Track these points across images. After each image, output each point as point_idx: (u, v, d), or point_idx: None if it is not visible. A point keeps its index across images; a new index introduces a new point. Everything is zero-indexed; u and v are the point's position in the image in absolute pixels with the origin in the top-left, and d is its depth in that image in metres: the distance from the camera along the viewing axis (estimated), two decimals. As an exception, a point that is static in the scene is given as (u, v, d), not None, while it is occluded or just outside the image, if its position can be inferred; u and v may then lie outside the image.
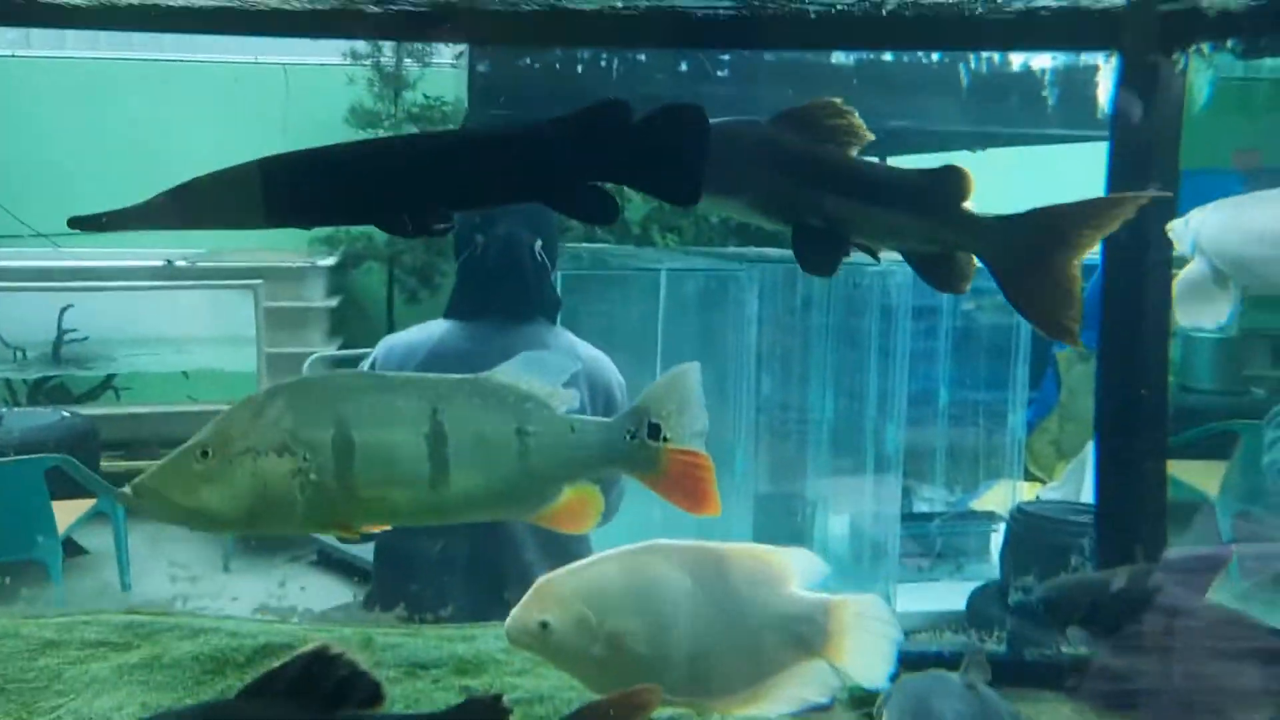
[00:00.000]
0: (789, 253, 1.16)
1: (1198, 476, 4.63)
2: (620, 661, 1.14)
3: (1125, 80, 1.24)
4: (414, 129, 6.41)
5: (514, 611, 1.16)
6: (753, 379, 3.57)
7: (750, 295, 3.55)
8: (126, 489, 1.06)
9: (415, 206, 1.04)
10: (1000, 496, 4.36)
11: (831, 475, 3.93)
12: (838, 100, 1.04)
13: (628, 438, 1.08)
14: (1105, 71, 1.32)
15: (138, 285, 5.56)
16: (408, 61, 6.34)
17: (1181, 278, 1.12)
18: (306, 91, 6.52)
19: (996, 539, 4.17)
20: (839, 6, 1.24)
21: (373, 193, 1.06)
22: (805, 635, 1.18)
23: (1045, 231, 1.06)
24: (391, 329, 6.38)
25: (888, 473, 3.94)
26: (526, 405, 1.08)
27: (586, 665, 1.15)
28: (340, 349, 5.89)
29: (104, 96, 6.51)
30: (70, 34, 7.06)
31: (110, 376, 5.85)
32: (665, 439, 1.08)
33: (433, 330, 2.05)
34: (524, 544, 1.91)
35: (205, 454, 1.05)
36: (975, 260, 1.11)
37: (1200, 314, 1.12)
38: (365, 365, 2.07)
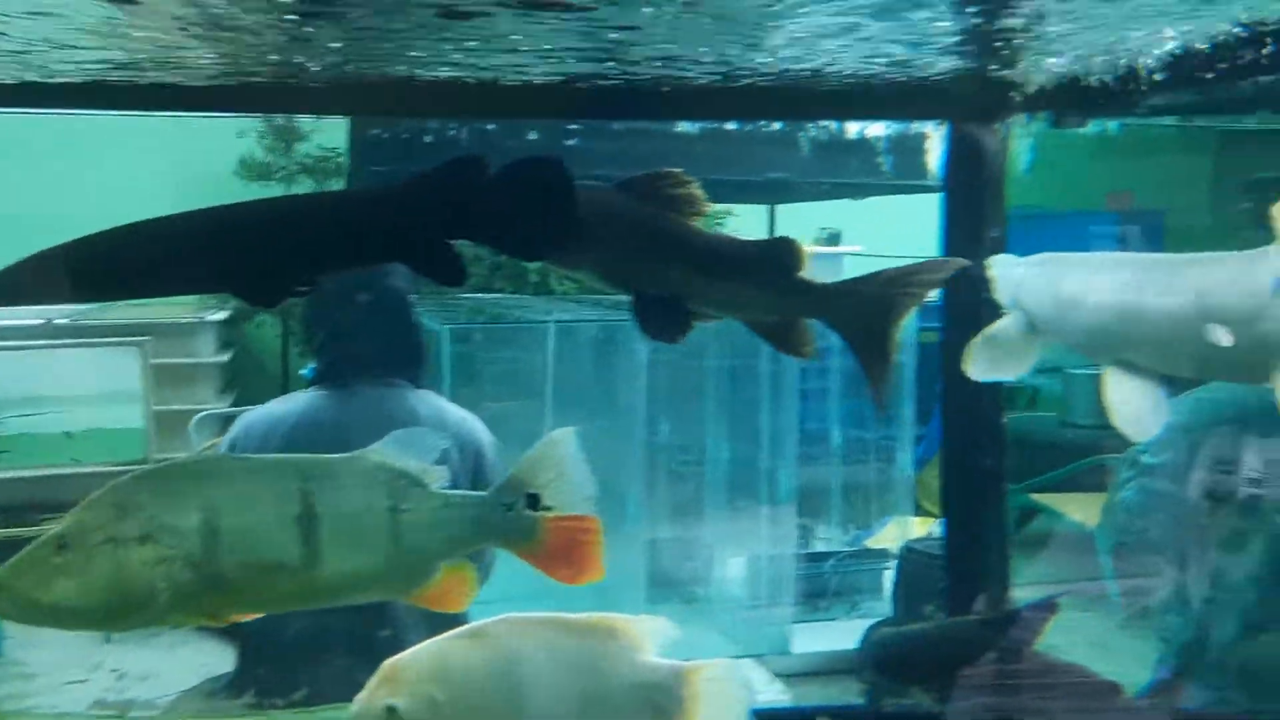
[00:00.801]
0: None
1: (1082, 509, 4.81)
2: None
3: (953, 144, 1.32)
4: (308, 181, 6.35)
5: (360, 695, 1.14)
6: (644, 426, 3.60)
7: (639, 343, 3.59)
8: (-20, 587, 1.03)
9: (272, 272, 1.04)
10: (894, 534, 4.47)
11: (728, 517, 3.98)
12: (679, 170, 1.06)
13: (504, 510, 1.09)
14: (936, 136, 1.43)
15: (16, 345, 5.36)
16: (299, 118, 6.27)
17: (991, 328, 1.19)
18: (196, 144, 6.40)
19: (891, 576, 4.27)
20: (702, 80, 1.29)
21: (226, 260, 1.05)
22: (660, 703, 1.19)
23: (872, 295, 1.11)
24: (287, 382, 6.29)
25: (782, 513, 4.01)
26: (400, 483, 1.09)
27: None
28: (233, 404, 5.75)
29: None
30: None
31: (-12, 439, 5.60)
32: (547, 508, 1.09)
33: (295, 402, 2.00)
34: (401, 615, 1.87)
35: (63, 546, 1.03)
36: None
37: (1000, 366, 1.18)
38: (224, 445, 1.97)
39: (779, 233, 5.83)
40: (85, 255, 1.10)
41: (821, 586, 4.18)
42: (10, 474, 5.46)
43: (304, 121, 6.33)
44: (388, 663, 1.15)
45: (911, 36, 1.06)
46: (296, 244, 1.04)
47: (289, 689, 1.49)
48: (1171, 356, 1.06)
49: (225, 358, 5.95)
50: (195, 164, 6.10)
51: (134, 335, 5.42)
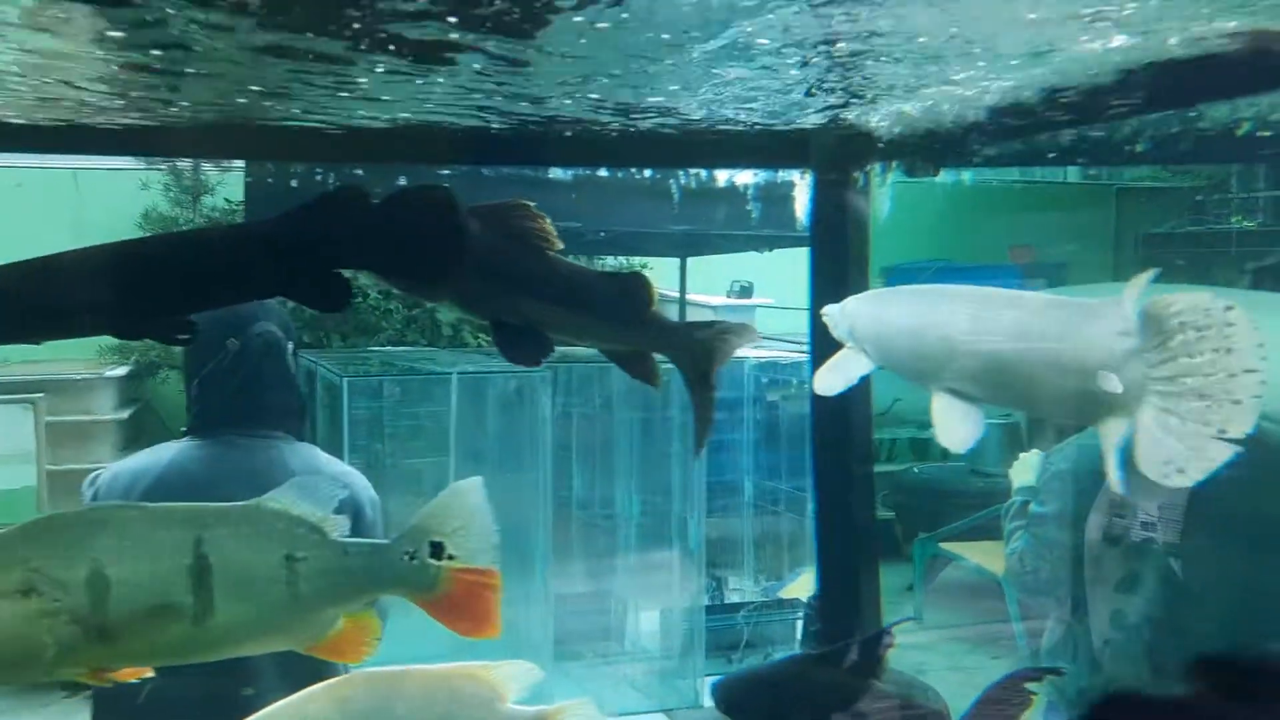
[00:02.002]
0: (591, 351, 1.21)
1: (988, 557, 4.92)
2: None
3: (817, 193, 1.38)
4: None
5: None
6: (549, 479, 3.59)
7: (544, 396, 3.59)
8: None
9: (148, 310, 1.02)
10: (808, 584, 4.51)
11: (638, 570, 3.97)
12: (530, 203, 1.07)
13: (406, 559, 1.09)
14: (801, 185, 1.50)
15: (-101, 402, 5.14)
16: (207, 166, 6.20)
17: (832, 359, 1.26)
18: (98, 196, 6.27)
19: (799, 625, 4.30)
20: (575, 130, 1.32)
21: (100, 301, 1.03)
22: None
23: (702, 339, 1.16)
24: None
25: (692, 565, 4.02)
26: (297, 531, 1.08)
27: None
28: (132, 463, 5.57)
29: None
30: None
31: None
32: (451, 557, 1.08)
33: (162, 454, 1.91)
34: (262, 673, 1.82)
35: (-57, 599, 1.00)
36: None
37: (838, 390, 1.25)
38: (87, 498, 1.90)
39: (689, 285, 5.92)
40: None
41: (734, 638, 4.19)
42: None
43: (210, 175, 6.26)
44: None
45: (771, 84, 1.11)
46: (173, 280, 1.03)
47: None
48: (991, 388, 1.12)
49: (125, 414, 5.77)
50: (98, 216, 5.97)
51: (27, 392, 5.24)
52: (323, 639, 1.10)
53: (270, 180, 3.23)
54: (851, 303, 1.26)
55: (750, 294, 5.94)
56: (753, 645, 4.22)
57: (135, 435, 5.95)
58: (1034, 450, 2.45)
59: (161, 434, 6.26)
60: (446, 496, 1.11)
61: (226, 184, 6.25)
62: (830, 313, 1.27)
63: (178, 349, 6.16)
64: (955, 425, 1.13)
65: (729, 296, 5.90)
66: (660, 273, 6.60)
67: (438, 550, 1.09)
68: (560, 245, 1.07)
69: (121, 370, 5.75)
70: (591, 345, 1.23)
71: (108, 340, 6.07)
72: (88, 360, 5.90)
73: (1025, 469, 2.42)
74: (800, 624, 4.24)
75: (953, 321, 1.11)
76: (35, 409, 5.17)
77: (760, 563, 4.60)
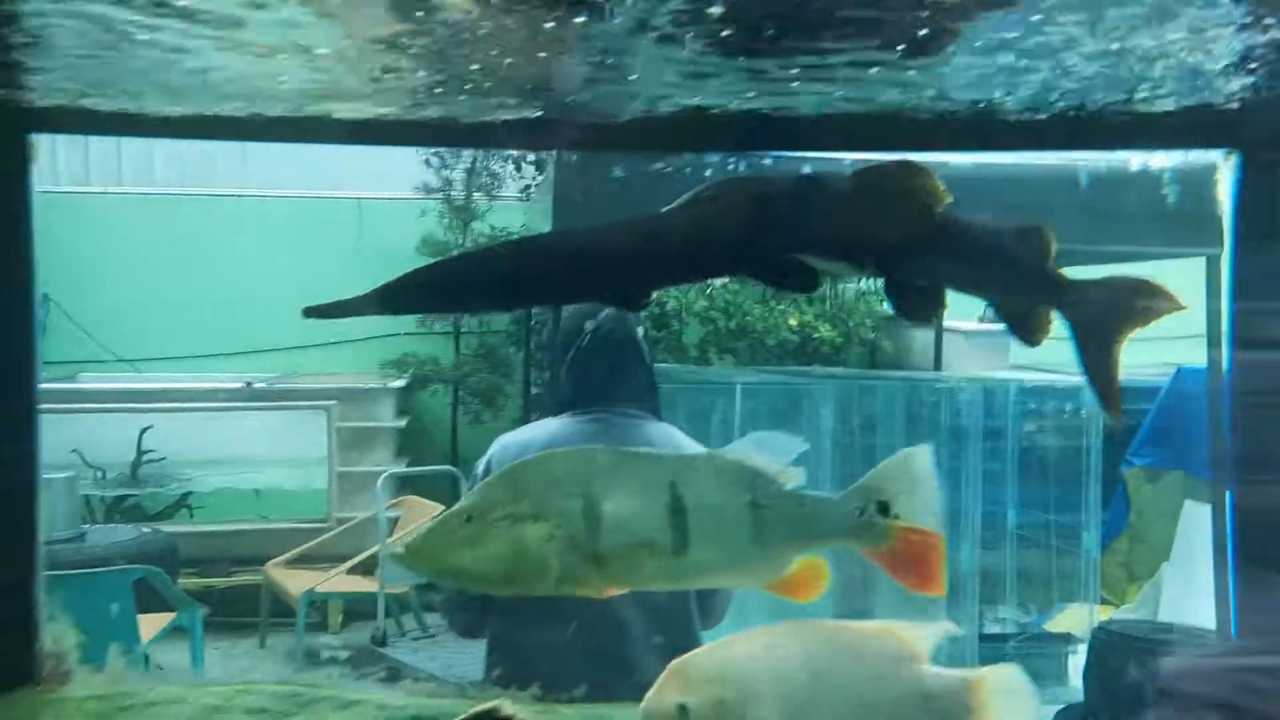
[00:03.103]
0: (854, 371, 1.23)
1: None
2: None
3: (1245, 180, 1.29)
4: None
5: (650, 694, 1.19)
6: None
7: (825, 409, 3.65)
8: (399, 548, 1.17)
9: (635, 282, 1.15)
10: (1075, 618, 4.35)
11: (905, 597, 3.93)
12: (915, 160, 1.09)
13: (857, 514, 1.17)
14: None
15: (215, 406, 5.73)
16: (476, 195, 6.63)
17: None
18: (379, 224, 6.81)
19: (1074, 661, 4.15)
20: (954, 112, 1.31)
21: (597, 272, 1.17)
22: (945, 712, 1.21)
23: (1112, 298, 1.13)
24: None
25: (964, 594, 3.96)
26: (757, 480, 1.18)
27: None
28: (407, 467, 5.99)
29: (185, 230, 6.81)
30: (158, 169, 7.44)
31: (185, 495, 5.96)
32: (895, 516, 1.16)
33: (545, 428, 2.12)
34: (634, 631, 1.95)
35: (468, 519, 1.15)
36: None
37: None
38: (481, 465, 2.12)
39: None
40: (470, 268, 1.24)
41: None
42: (205, 528, 5.79)
43: (480, 204, 6.70)
44: (676, 662, 1.21)
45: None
46: (656, 258, 1.16)
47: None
48: None
49: (402, 423, 6.21)
50: (379, 242, 6.50)
51: (322, 399, 5.74)
52: (777, 579, 1.19)
53: (579, 193, 3.39)
54: None
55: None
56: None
57: (407, 443, 6.40)
58: None
59: (426, 444, 6.70)
60: (895, 460, 1.18)
61: (495, 210, 6.68)
62: None
63: (449, 364, 6.60)
64: None
65: (981, 321, 5.76)
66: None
67: (883, 509, 1.17)
68: (950, 199, 1.10)
69: (400, 382, 6.20)
70: (985, 298, 1.24)
71: (388, 354, 6.58)
72: (370, 372, 6.41)
73: None
74: (1074, 659, 4.10)
75: None
76: (329, 415, 5.65)
77: (1027, 595, 4.47)
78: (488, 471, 2.03)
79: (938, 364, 5.44)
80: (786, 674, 1.19)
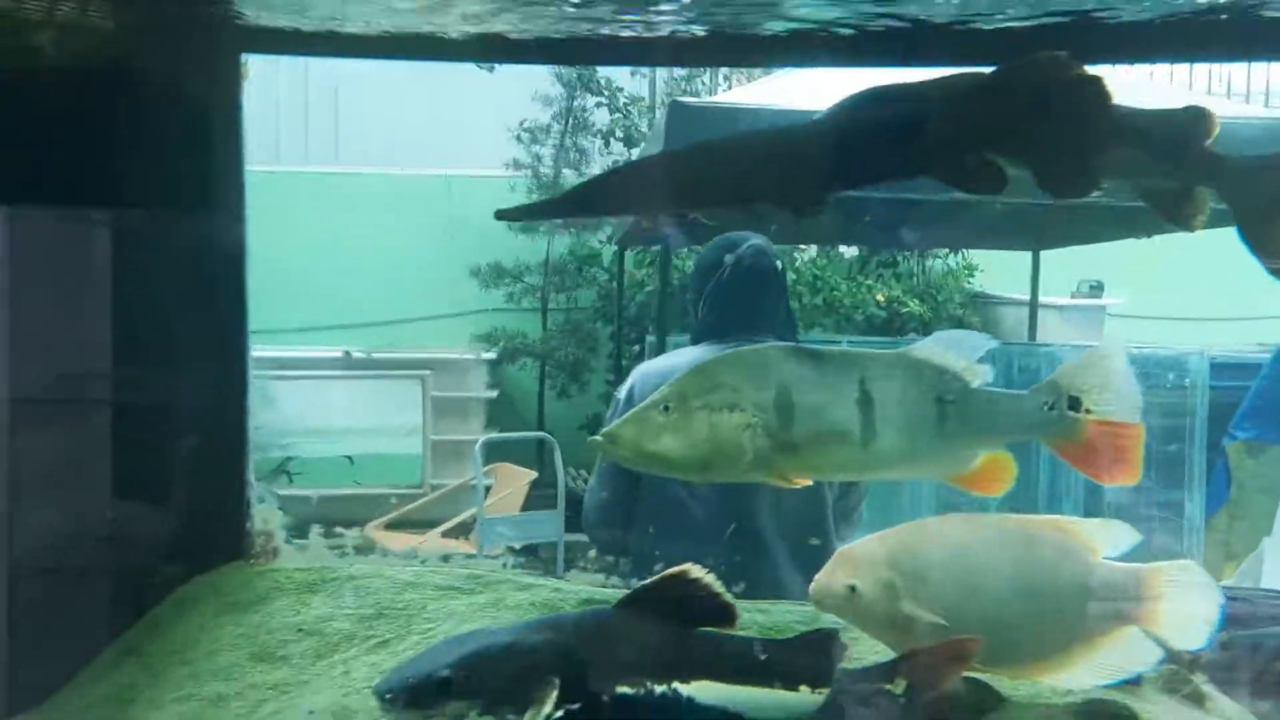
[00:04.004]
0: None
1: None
2: (925, 628, 1.17)
3: None
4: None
5: (819, 576, 1.23)
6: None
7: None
8: (599, 436, 1.23)
9: (820, 184, 1.19)
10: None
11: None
12: (1063, 54, 1.09)
13: (1045, 409, 1.20)
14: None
15: (315, 375, 5.89)
16: (565, 171, 6.71)
17: None
18: (468, 200, 6.93)
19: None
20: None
21: (775, 175, 1.20)
22: (1118, 606, 1.20)
23: (1273, 177, 1.13)
24: (541, 422, 6.63)
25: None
26: (944, 377, 1.21)
27: (891, 630, 1.19)
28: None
29: (282, 206, 6.97)
30: (252, 146, 7.62)
31: (286, 460, 6.13)
32: (1088, 411, 1.18)
33: (685, 356, 2.18)
34: (772, 544, 2.00)
35: (666, 408, 1.21)
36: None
37: None
38: (622, 391, 2.19)
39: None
40: (650, 172, 1.29)
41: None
42: (302, 492, 5.94)
43: (567, 177, 6.78)
44: (845, 548, 1.25)
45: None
46: (841, 158, 1.20)
47: None
48: None
49: (493, 394, 6.33)
50: (469, 217, 6.61)
51: (417, 369, 5.87)
52: (961, 473, 1.23)
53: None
54: None
55: (1101, 293, 5.69)
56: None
57: (496, 414, 6.52)
58: None
59: (512, 416, 6.82)
60: (1087, 357, 1.20)
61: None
62: None
63: (536, 338, 6.70)
64: None
65: (1074, 296, 5.69)
66: (1001, 271, 6.47)
67: (1074, 404, 1.20)
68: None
69: (491, 354, 6.31)
70: (1136, 182, 1.24)
71: (479, 328, 6.70)
72: (460, 345, 6.53)
73: None
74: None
75: None
76: (424, 384, 5.78)
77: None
78: (629, 398, 2.10)
79: (1032, 339, 5.40)
80: (953, 561, 1.20)
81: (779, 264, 2.15)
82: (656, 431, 1.21)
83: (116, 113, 1.48)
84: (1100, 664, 1.21)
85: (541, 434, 5.65)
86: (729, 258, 2.10)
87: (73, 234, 1.59)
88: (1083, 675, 1.22)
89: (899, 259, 6.42)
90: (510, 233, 6.71)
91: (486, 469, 5.38)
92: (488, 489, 5.17)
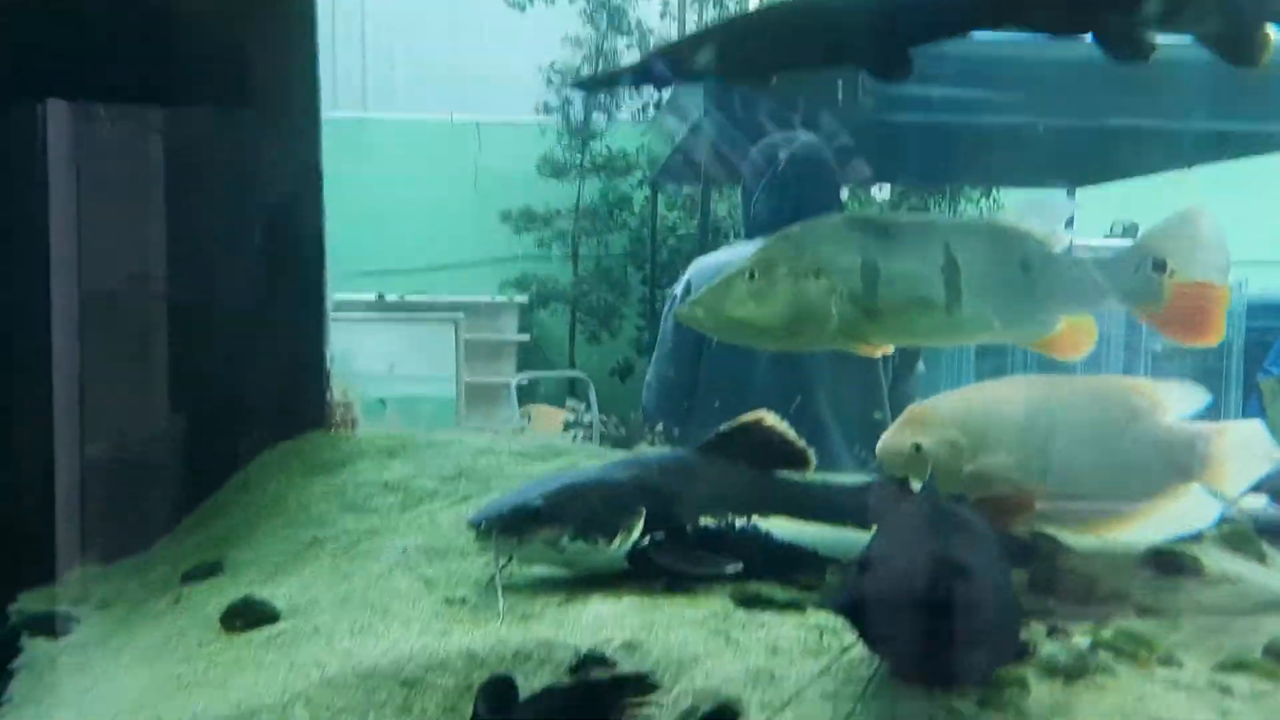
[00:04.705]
0: None
1: None
2: (990, 485, 1.21)
3: None
4: (598, 180, 6.74)
5: (886, 435, 1.26)
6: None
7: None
8: (685, 306, 1.24)
9: (897, 45, 1.18)
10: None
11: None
12: None
13: (1131, 272, 1.21)
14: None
15: (348, 317, 5.91)
16: (596, 115, 6.68)
17: None
18: (499, 146, 6.91)
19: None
20: None
21: (861, 33, 1.20)
22: (1182, 462, 1.22)
23: None
24: (572, 365, 6.64)
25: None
26: (1028, 243, 1.23)
27: (955, 488, 1.21)
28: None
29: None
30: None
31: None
32: (1172, 274, 1.19)
33: (741, 250, 2.19)
34: (831, 427, 2.02)
35: (752, 276, 1.22)
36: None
37: None
38: (679, 286, 2.22)
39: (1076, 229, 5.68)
40: (729, 35, 1.29)
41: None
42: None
43: (597, 123, 6.75)
44: (914, 407, 1.27)
45: None
46: (921, 18, 1.20)
47: None
48: None
49: (525, 337, 6.36)
50: (498, 164, 6.60)
51: (450, 312, 5.88)
52: (1044, 338, 1.24)
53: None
54: None
55: (1135, 235, 5.63)
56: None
57: (528, 359, 6.54)
58: None
59: (541, 361, 6.84)
60: (1174, 219, 1.21)
61: (612, 132, 6.73)
62: None
63: (567, 283, 6.71)
64: None
65: (1109, 237, 5.62)
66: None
67: (1160, 267, 1.21)
68: None
69: (522, 298, 6.33)
70: (1195, 30, 1.23)
71: (508, 274, 6.71)
72: (490, 290, 6.55)
73: None
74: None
75: None
76: (457, 327, 5.80)
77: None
78: (686, 291, 2.14)
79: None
80: (1021, 420, 1.23)
81: (831, 159, 2.16)
82: (742, 298, 1.23)
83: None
84: (1164, 519, 1.24)
85: (576, 373, 5.68)
86: (782, 153, 2.12)
87: (139, 134, 1.62)
88: (1147, 530, 1.25)
89: (930, 202, 6.38)
90: (540, 178, 6.71)
91: (521, 409, 5.40)
92: (523, 430, 5.21)
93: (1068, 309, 1.23)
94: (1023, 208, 1.24)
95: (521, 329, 6.49)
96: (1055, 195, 1.40)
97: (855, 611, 0.82)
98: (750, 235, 2.23)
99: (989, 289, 1.23)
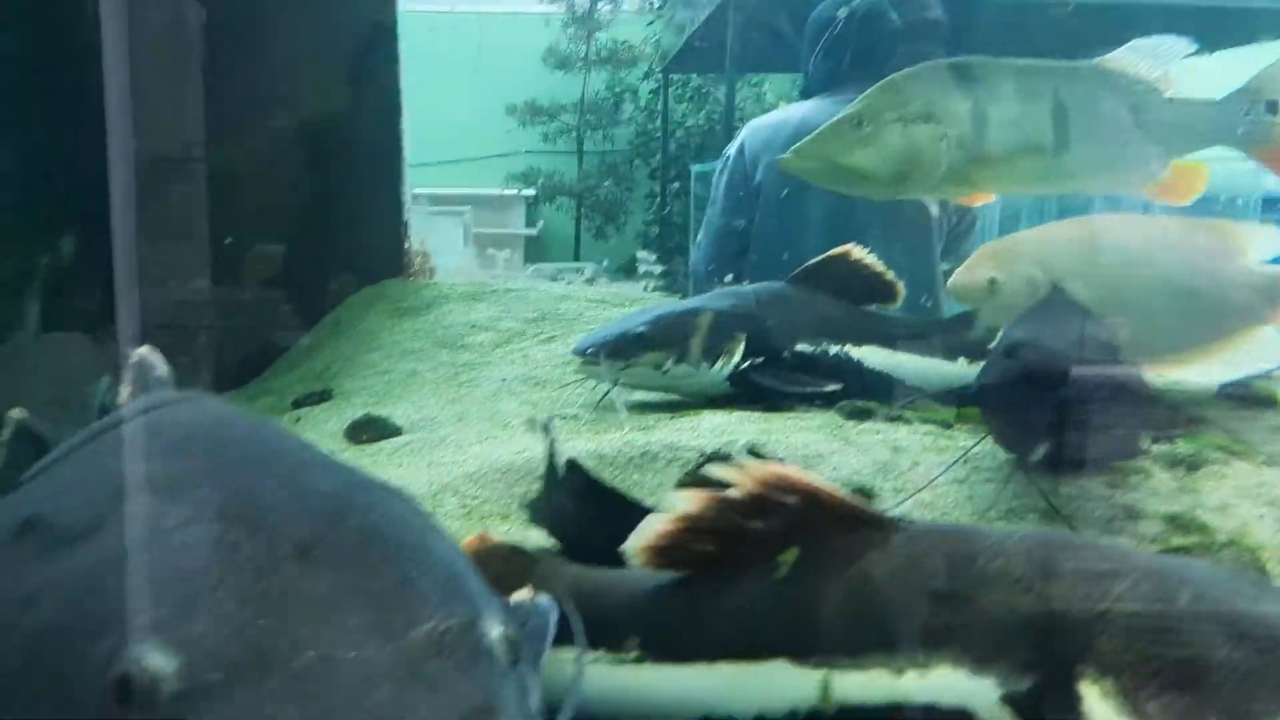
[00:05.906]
0: None
1: None
2: None
3: None
4: (604, 71, 6.62)
5: (960, 270, 1.27)
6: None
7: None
8: (788, 154, 1.23)
9: None
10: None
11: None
12: None
13: (1242, 114, 1.19)
14: None
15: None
16: (601, 6, 6.53)
17: None
18: (502, 36, 6.75)
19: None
20: None
21: None
22: (1256, 305, 1.25)
23: None
24: (578, 259, 6.61)
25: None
26: (1137, 88, 1.21)
27: None
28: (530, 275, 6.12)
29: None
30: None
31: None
32: (1284, 115, 1.18)
33: (798, 110, 2.17)
34: None
35: (860, 123, 1.21)
36: None
37: None
38: (732, 148, 2.19)
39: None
40: None
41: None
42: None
43: (602, 13, 6.59)
44: (991, 242, 1.28)
45: None
46: None
47: None
48: None
49: (533, 230, 6.32)
50: (501, 56, 6.46)
51: (458, 204, 5.83)
52: (1155, 182, 1.24)
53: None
54: None
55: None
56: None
57: (534, 253, 6.51)
58: None
59: (551, 257, 6.81)
60: (1284, 62, 1.20)
61: (617, 23, 6.58)
62: None
63: (573, 179, 6.63)
64: None
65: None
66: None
67: (1273, 108, 1.20)
68: None
69: (530, 191, 6.27)
70: None
71: (514, 168, 6.63)
72: (498, 185, 6.48)
73: None
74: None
75: None
76: (464, 221, 5.75)
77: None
78: (740, 152, 2.10)
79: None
80: (1099, 258, 1.25)
81: (893, 15, 2.10)
82: (850, 145, 1.22)
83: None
84: (1235, 358, 1.26)
85: (587, 264, 5.66)
86: (843, 10, 2.06)
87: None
88: (1219, 368, 1.27)
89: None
90: (545, 69, 6.58)
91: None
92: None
93: (1178, 153, 1.22)
94: (1134, 49, 1.22)
95: (531, 221, 6.45)
96: (1169, 43, 1.36)
97: (1003, 388, 0.83)
98: (809, 94, 2.18)
99: (1097, 134, 1.21)
